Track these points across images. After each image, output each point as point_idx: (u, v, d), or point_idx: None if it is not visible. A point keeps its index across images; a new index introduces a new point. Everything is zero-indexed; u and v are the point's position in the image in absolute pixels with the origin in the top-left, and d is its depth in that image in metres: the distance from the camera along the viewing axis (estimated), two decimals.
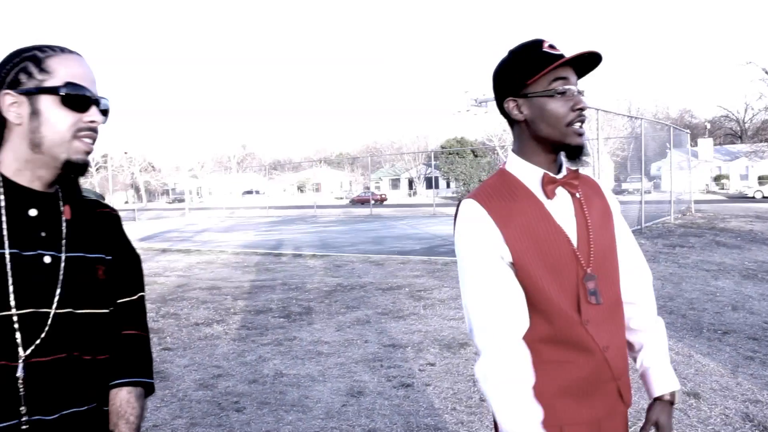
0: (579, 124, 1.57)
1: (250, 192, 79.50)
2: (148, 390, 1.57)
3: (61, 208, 1.43)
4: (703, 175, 57.01)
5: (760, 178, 53.53)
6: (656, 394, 1.73)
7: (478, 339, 1.55)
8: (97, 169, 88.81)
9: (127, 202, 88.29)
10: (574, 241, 1.59)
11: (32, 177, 1.37)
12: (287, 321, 7.59)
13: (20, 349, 1.31)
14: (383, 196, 62.81)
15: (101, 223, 1.53)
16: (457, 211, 1.64)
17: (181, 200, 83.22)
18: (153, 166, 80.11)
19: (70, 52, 1.39)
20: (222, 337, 6.91)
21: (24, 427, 1.31)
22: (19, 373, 1.30)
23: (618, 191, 38.71)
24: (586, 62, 1.57)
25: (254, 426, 4.35)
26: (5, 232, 1.32)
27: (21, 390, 1.30)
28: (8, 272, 1.30)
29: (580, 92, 1.58)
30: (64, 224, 1.42)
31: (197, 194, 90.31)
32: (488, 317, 1.53)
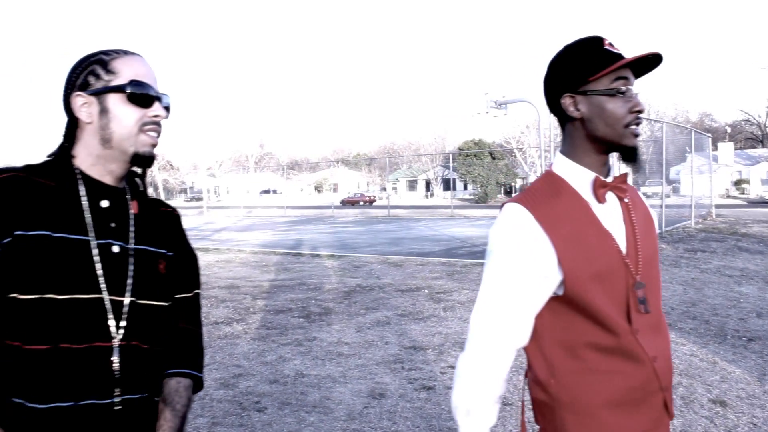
0: (636, 125, 1.53)
1: (267, 191, 79.84)
2: (197, 384, 1.62)
3: (129, 203, 1.52)
4: (723, 180, 56.45)
5: None
6: None
7: (473, 337, 1.55)
8: None
9: None
10: (623, 247, 1.55)
11: (103, 171, 1.46)
12: (307, 321, 7.59)
13: (113, 332, 1.40)
14: (372, 197, 64.34)
15: (164, 221, 1.62)
16: (500, 212, 1.60)
17: (199, 199, 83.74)
18: (171, 165, 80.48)
19: (133, 53, 1.49)
20: (242, 337, 6.92)
21: (117, 407, 1.41)
22: (115, 356, 1.40)
23: None
24: (645, 64, 1.54)
25: (276, 427, 4.34)
26: (89, 222, 1.42)
27: (116, 372, 1.40)
28: (95, 258, 1.40)
29: (637, 94, 1.54)
30: (132, 218, 1.51)
31: (215, 193, 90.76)
32: (493, 327, 1.52)
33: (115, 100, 1.43)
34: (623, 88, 1.51)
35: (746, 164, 61.25)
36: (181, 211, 1.68)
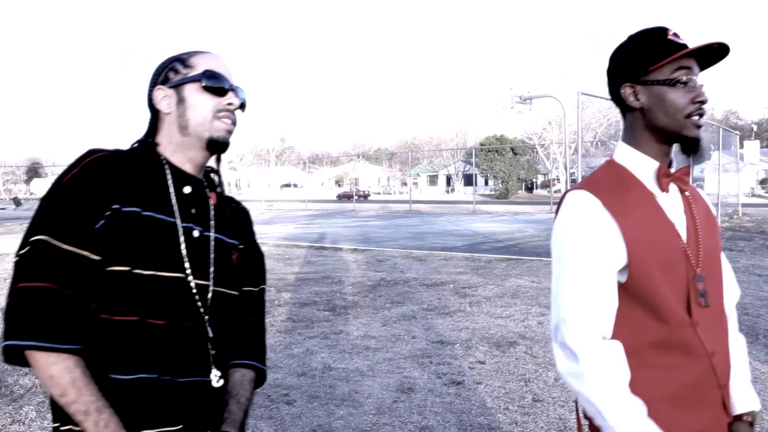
0: (698, 116, 1.50)
1: (288, 185, 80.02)
2: (261, 377, 1.67)
3: (208, 193, 1.58)
4: (749, 178, 55.77)
5: None
6: (736, 412, 1.62)
7: (569, 336, 1.48)
8: None
9: None
10: (684, 238, 1.53)
11: (183, 158, 1.53)
12: (332, 314, 7.58)
13: (202, 311, 1.47)
14: (366, 192, 67.02)
15: (237, 216, 1.70)
16: (561, 202, 1.58)
17: None
18: None
19: (209, 52, 1.59)
20: (268, 329, 6.91)
21: (216, 385, 1.49)
22: (210, 333, 1.49)
23: None
24: (711, 54, 1.51)
25: (305, 419, 4.33)
26: (176, 206, 1.48)
27: (211, 350, 1.49)
28: (180, 239, 1.46)
29: (701, 85, 1.51)
30: (211, 207, 1.58)
31: (236, 186, 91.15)
32: (584, 316, 1.47)
33: (191, 90, 1.51)
34: (684, 78, 1.49)
35: None
36: None
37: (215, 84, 1.51)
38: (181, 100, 1.51)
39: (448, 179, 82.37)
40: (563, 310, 1.50)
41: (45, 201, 1.37)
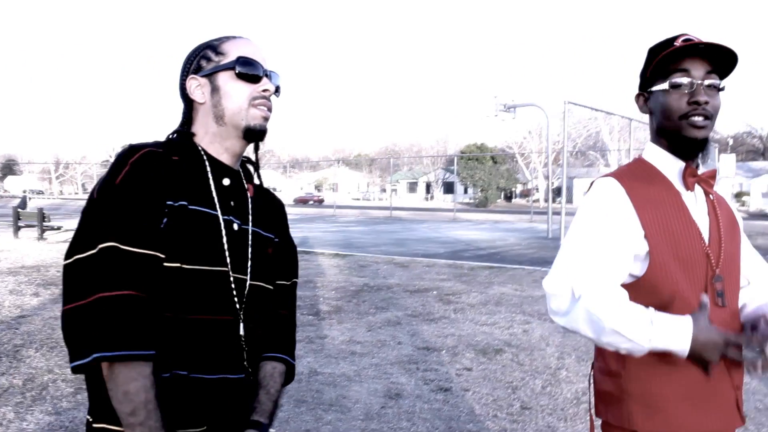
0: (698, 117, 1.53)
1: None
2: (290, 372, 1.64)
3: (246, 186, 1.56)
4: (724, 191, 56.44)
5: None
6: None
7: (575, 282, 1.48)
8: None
9: None
10: (707, 239, 1.56)
11: (220, 149, 1.50)
12: (317, 319, 7.53)
13: (237, 307, 1.45)
14: (320, 197, 69.88)
15: (273, 208, 1.66)
16: (589, 188, 1.62)
17: None
18: None
19: (240, 36, 1.54)
20: None
21: (245, 380, 1.47)
22: (242, 330, 1.46)
23: None
24: (724, 59, 1.54)
25: (293, 424, 4.28)
26: (216, 198, 1.45)
27: (244, 346, 1.47)
28: (223, 233, 1.44)
29: (716, 87, 1.55)
30: (249, 200, 1.55)
31: None
32: (591, 265, 1.48)
33: (225, 78, 1.47)
34: (676, 81, 1.53)
35: (747, 176, 61.28)
36: None
37: (249, 71, 1.48)
38: (215, 89, 1.48)
39: (428, 186, 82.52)
40: (569, 259, 1.52)
41: (101, 204, 1.32)
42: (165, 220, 1.34)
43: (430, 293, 9.32)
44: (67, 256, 1.32)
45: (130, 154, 1.37)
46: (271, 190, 1.72)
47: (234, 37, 1.53)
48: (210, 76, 1.48)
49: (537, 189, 60.57)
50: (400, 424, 4.30)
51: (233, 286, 1.44)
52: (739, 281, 1.64)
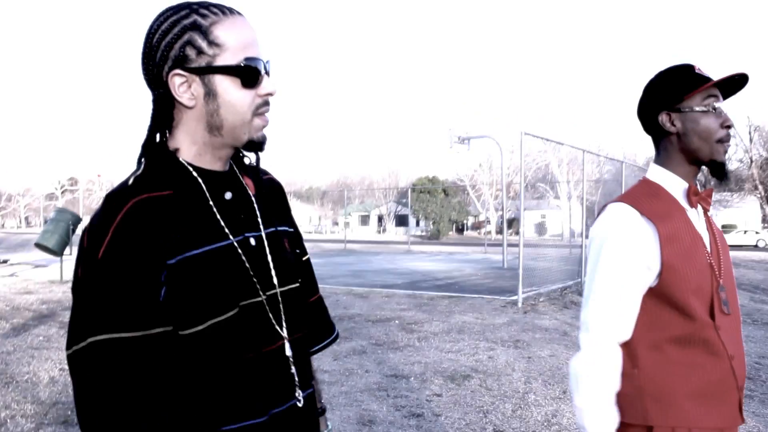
0: (725, 142, 1.66)
1: None
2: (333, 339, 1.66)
3: (245, 184, 1.34)
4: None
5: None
6: None
7: (584, 336, 1.64)
8: (62, 192, 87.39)
9: None
10: (709, 251, 1.67)
11: (213, 159, 1.26)
12: None
13: (278, 330, 1.29)
14: None
15: (273, 192, 1.46)
16: (600, 214, 1.71)
17: None
18: None
19: (232, 12, 1.21)
20: None
21: (300, 406, 1.32)
22: (288, 351, 1.31)
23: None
24: (732, 85, 1.68)
25: None
26: (222, 222, 1.24)
27: (293, 371, 1.31)
28: (244, 260, 1.25)
29: (726, 112, 1.68)
30: (254, 201, 1.34)
31: None
32: (605, 320, 1.61)
33: (225, 84, 1.19)
34: (716, 105, 1.65)
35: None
36: None
37: (254, 74, 1.21)
38: (210, 94, 1.19)
39: (380, 219, 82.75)
40: (589, 313, 1.64)
41: (86, 286, 1.13)
42: (163, 290, 1.14)
43: (393, 322, 9.34)
44: (66, 347, 1.15)
45: (110, 212, 1.13)
46: (261, 167, 1.46)
47: (224, 14, 1.20)
48: (202, 73, 1.18)
49: (488, 221, 61.30)
50: None
51: (267, 308, 1.27)
52: (736, 293, 1.75)
